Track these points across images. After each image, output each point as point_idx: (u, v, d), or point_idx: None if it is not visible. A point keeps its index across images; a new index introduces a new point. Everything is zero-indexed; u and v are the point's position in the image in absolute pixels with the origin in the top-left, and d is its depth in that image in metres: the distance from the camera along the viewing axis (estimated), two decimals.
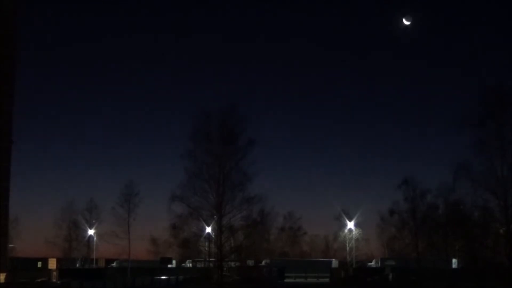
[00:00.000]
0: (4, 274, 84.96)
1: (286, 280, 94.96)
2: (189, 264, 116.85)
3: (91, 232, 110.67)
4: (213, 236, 64.24)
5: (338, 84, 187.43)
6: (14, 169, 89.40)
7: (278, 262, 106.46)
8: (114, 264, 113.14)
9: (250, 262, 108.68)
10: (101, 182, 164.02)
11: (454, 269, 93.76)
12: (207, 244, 68.18)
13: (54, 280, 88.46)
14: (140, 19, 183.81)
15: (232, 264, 79.34)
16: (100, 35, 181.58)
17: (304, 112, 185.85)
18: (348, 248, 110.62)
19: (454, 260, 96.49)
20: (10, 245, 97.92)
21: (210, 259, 69.25)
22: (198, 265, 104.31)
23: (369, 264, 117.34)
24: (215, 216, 61.73)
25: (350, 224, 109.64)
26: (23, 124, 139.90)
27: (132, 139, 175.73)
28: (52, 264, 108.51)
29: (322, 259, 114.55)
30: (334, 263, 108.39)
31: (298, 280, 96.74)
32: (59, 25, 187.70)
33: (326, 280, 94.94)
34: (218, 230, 61.34)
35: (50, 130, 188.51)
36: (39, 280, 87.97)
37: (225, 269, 70.04)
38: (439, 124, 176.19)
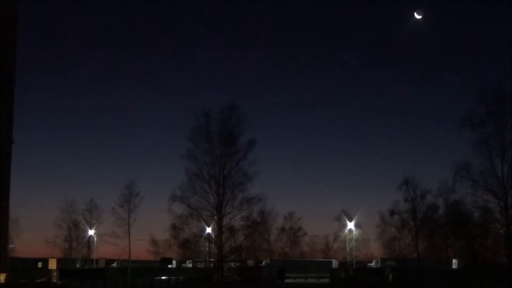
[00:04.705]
0: (4, 274, 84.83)
1: (286, 281, 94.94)
2: (189, 264, 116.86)
3: (91, 232, 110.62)
4: (213, 237, 64.29)
5: (338, 84, 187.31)
6: (14, 169, 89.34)
7: (278, 263, 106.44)
8: (114, 265, 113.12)
9: (250, 262, 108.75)
10: (101, 182, 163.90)
11: (454, 269, 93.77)
12: (207, 244, 68.19)
13: (54, 281, 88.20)
14: (140, 18, 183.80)
15: (232, 264, 79.37)
16: (100, 35, 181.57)
17: (304, 112, 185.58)
18: (348, 249, 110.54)
19: (454, 261, 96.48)
20: (10, 246, 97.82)
21: (210, 260, 69.29)
22: (198, 265, 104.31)
23: (369, 264, 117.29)
24: (215, 217, 61.87)
25: (350, 225, 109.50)
26: (23, 124, 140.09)
27: (132, 139, 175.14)
28: (52, 264, 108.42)
29: (322, 260, 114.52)
30: (334, 263, 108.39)
31: (298, 280, 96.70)
32: (59, 25, 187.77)
33: (326, 280, 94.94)
34: (218, 230, 61.45)
35: (50, 130, 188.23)
36: (39, 280, 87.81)
37: (225, 269, 70.13)
38: (439, 124, 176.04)
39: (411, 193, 77.45)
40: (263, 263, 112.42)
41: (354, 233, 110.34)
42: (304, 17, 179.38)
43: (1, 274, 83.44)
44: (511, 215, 55.77)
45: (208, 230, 65.11)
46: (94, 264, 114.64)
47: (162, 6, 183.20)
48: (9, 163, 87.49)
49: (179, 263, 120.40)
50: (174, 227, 73.78)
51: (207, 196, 61.37)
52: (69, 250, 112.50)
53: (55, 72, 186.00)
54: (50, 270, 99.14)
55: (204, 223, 63.78)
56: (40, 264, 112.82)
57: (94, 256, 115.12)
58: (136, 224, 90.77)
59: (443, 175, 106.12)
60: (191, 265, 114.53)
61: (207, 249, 68.65)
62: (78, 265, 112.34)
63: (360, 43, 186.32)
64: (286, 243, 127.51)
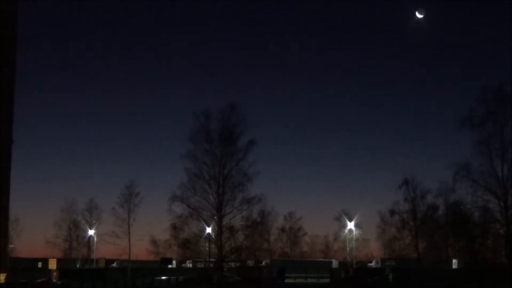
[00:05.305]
0: (4, 274, 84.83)
1: (286, 281, 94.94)
2: (189, 264, 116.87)
3: (91, 232, 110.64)
4: (213, 237, 64.25)
5: (338, 84, 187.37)
6: (14, 169, 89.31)
7: (278, 263, 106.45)
8: (114, 265, 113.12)
9: (250, 262, 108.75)
10: (101, 182, 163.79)
11: (454, 269, 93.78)
12: (207, 244, 68.18)
13: (54, 281, 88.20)
14: (140, 19, 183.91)
15: (232, 264, 79.36)
16: (100, 35, 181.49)
17: (304, 112, 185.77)
18: (348, 249, 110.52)
19: (454, 261, 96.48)
20: (10, 246, 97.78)
21: (210, 260, 69.27)
22: (198, 265, 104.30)
23: (369, 264, 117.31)
24: (215, 217, 61.83)
25: (350, 225, 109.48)
26: (23, 124, 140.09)
27: (132, 139, 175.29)
28: (52, 264, 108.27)
29: (322, 260, 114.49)
30: (334, 263, 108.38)
31: (298, 280, 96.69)
32: (59, 25, 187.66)
33: (326, 280, 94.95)
34: (218, 230, 61.42)
35: (50, 130, 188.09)
36: (39, 280, 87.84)
37: (225, 269, 70.10)
38: (439, 124, 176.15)
39: (411, 193, 77.52)
40: (263, 263, 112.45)
41: (354, 233, 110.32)
42: (305, 17, 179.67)
43: (1, 274, 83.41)
44: (511, 215, 55.78)
45: (208, 230, 65.07)
46: (94, 264, 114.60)
47: (163, 6, 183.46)
48: (9, 163, 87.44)
49: (179, 263, 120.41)
50: (174, 227, 73.83)
51: (207, 196, 61.38)
52: (69, 250, 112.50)
53: (55, 72, 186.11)
54: (50, 270, 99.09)
55: (204, 223, 63.75)
56: (40, 264, 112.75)
57: (94, 256, 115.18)
58: (136, 224, 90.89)
59: (443, 175, 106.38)
60: (191, 265, 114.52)
61: (207, 249, 68.60)
62: (78, 265, 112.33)
63: (360, 43, 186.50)
64: (286, 243, 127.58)
